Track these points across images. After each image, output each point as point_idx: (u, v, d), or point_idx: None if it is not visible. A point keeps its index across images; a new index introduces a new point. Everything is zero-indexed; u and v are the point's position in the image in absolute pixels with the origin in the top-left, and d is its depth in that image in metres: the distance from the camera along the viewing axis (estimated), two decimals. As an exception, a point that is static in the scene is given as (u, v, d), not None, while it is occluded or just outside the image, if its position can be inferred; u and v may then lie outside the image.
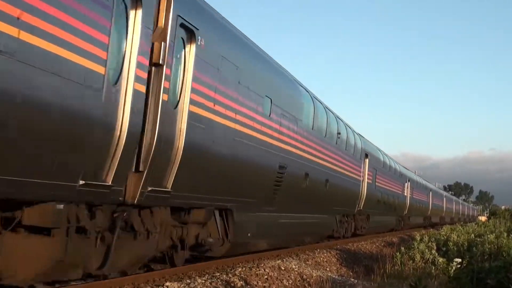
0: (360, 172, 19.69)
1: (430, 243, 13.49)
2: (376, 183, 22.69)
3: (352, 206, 18.97)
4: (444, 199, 53.17)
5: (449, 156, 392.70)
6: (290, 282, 9.15)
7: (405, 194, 30.91)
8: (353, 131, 19.34)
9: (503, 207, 68.16)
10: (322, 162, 14.22)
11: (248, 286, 8.07)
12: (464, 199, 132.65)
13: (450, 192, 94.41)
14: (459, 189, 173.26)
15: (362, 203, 20.02)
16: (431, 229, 32.33)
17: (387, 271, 11.41)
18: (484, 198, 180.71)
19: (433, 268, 11.20)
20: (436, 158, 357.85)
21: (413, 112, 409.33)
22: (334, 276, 10.47)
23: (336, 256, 14.07)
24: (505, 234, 14.60)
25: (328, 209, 15.76)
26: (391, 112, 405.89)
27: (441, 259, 11.47)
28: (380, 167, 23.90)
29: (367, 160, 20.86)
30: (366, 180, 20.41)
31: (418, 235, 15.16)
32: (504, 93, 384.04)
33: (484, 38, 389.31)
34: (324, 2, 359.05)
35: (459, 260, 9.68)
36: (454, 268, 9.01)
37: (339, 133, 16.06)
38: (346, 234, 19.33)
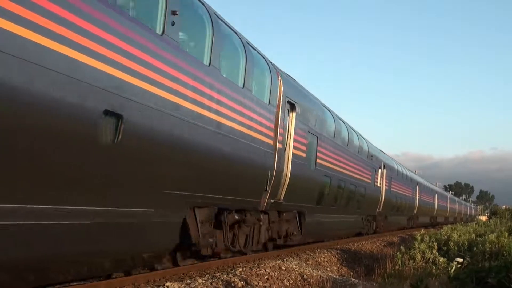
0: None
1: (430, 243, 13.46)
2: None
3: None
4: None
5: (449, 155, 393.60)
6: (290, 282, 9.14)
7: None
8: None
9: (503, 207, 68.16)
10: (167, 95, 6.69)
11: (249, 286, 8.06)
12: (464, 198, 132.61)
13: (450, 192, 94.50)
14: (459, 188, 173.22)
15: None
16: (432, 229, 32.42)
17: (388, 271, 11.41)
18: (484, 198, 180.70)
19: (434, 267, 11.18)
20: (437, 158, 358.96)
21: (414, 112, 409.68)
22: (334, 276, 10.46)
23: (336, 256, 14.06)
24: (506, 234, 14.57)
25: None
26: (391, 112, 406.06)
27: (441, 259, 11.45)
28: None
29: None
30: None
31: (418, 234, 15.11)
32: (505, 92, 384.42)
33: (484, 38, 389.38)
34: (324, 1, 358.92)
35: (460, 260, 9.67)
36: (454, 268, 8.99)
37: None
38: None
